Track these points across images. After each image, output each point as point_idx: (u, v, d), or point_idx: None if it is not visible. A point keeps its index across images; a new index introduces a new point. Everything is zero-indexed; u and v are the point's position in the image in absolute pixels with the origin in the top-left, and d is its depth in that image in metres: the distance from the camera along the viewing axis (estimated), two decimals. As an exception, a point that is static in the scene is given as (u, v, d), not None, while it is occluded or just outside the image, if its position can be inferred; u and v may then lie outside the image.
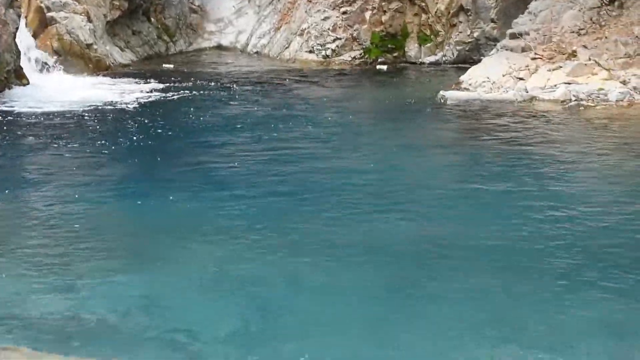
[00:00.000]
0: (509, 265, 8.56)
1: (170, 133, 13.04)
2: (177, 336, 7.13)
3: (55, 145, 12.43)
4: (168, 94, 14.52)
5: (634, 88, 12.51)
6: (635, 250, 8.77)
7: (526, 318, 7.30)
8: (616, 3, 13.60)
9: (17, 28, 14.12)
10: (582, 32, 13.61)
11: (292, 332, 7.34)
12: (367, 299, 7.90)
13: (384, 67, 16.94)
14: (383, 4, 17.10)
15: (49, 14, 15.86)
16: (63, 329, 6.78)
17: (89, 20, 15.79)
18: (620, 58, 13.00)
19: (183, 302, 7.88)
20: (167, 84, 15.18)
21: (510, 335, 7.00)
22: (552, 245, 8.95)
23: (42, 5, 15.93)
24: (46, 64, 15.23)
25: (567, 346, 6.71)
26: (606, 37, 13.48)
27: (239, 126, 13.53)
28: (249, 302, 7.83)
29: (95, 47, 15.71)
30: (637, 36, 13.15)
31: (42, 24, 15.83)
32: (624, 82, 12.66)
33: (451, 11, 16.49)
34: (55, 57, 15.55)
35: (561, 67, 13.38)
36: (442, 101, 13.58)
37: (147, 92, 14.57)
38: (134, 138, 12.83)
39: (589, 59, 13.30)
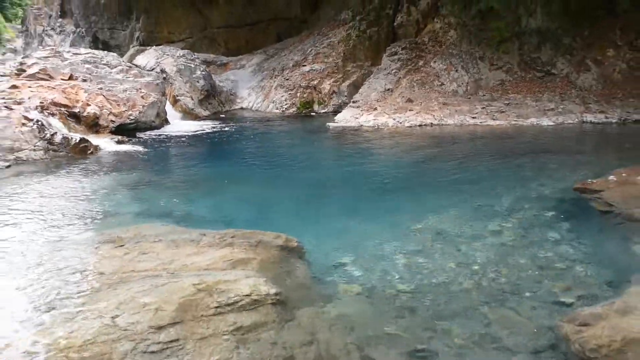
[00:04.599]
0: (356, 189, 8.04)
1: (234, 139, 12.80)
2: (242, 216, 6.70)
3: (193, 145, 12.22)
4: (229, 125, 14.45)
5: (397, 121, 12.99)
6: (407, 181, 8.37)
7: (365, 205, 7.08)
8: (391, 90, 14.56)
9: (165, 103, 14.41)
10: (379, 100, 14.00)
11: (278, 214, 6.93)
12: (297, 198, 7.47)
13: (318, 113, 16.65)
14: (303, 90, 17.26)
15: (177, 98, 16.09)
16: (191, 220, 6.12)
17: (192, 99, 16.14)
18: (394, 110, 13.46)
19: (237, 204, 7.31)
20: (227, 122, 15.05)
21: (356, 214, 6.59)
22: (373, 181, 8.39)
23: (174, 94, 16.01)
24: (176, 117, 15.23)
25: (377, 216, 6.45)
26: (388, 102, 14.02)
27: (252, 136, 13.22)
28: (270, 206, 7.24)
29: (194, 109, 15.82)
30: (399, 101, 13.75)
31: (174, 101, 16.00)
32: (394, 119, 13.16)
33: (329, 93, 16.64)
34: (179, 114, 15.58)
35: (371, 113, 13.73)
36: (328, 127, 13.55)
37: (221, 125, 14.44)
38: (215, 144, 12.58)
39: (382, 111, 13.70)
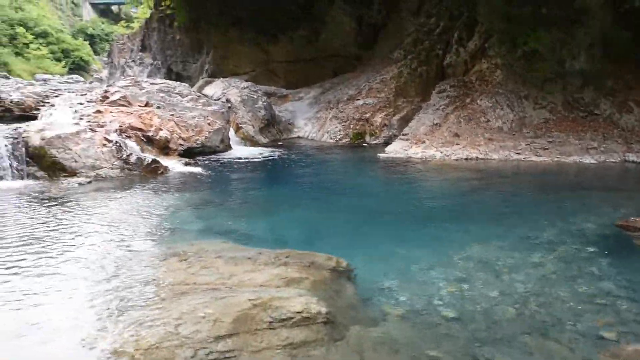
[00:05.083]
0: (404, 216, 7.93)
1: (291, 164, 12.78)
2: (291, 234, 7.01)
3: (253, 169, 12.19)
4: (286, 152, 14.30)
5: (444, 154, 12.65)
6: (458, 210, 8.28)
7: (412, 230, 7.23)
8: (439, 124, 14.41)
9: (229, 130, 14.59)
10: (428, 134, 13.62)
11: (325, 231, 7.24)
12: (349, 222, 7.44)
13: (369, 143, 16.50)
14: (356, 122, 17.05)
15: (240, 126, 16.35)
16: (249, 239, 6.14)
17: (253, 127, 16.25)
18: (441, 144, 13.10)
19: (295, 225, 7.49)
20: (285, 149, 14.94)
21: (404, 236, 6.84)
22: (421, 210, 8.26)
23: (237, 122, 16.12)
24: (238, 143, 15.33)
25: (423, 240, 6.59)
26: (436, 136, 13.82)
27: (307, 162, 13.06)
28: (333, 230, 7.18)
29: (255, 136, 15.79)
30: (447, 136, 13.48)
31: (237, 128, 16.14)
32: (441, 152, 12.86)
33: (380, 126, 16.35)
34: (241, 140, 15.62)
35: (420, 146, 13.42)
36: (379, 158, 13.31)
37: (279, 152, 14.30)
38: (273, 169, 12.49)
39: (430, 144, 13.40)
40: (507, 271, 5.23)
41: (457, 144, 13.56)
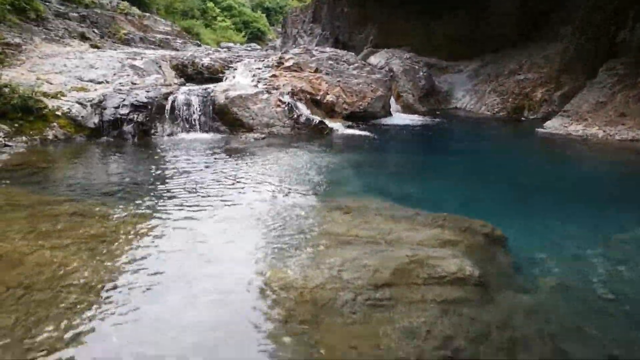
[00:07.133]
0: (561, 192, 7.58)
1: (448, 133, 12.43)
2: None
3: (411, 135, 12.02)
4: (443, 121, 13.94)
5: (607, 134, 11.64)
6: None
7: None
8: (604, 103, 13.14)
9: (390, 97, 14.54)
10: (590, 112, 12.53)
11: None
12: (503, 193, 7.18)
13: (527, 118, 15.63)
14: (515, 96, 16.27)
15: (400, 94, 16.25)
16: (405, 199, 6.10)
17: (413, 96, 16.11)
18: (605, 123, 11.99)
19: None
20: (442, 118, 14.58)
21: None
22: (578, 187, 7.79)
23: (398, 90, 16.08)
24: (397, 110, 15.27)
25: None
26: (599, 115, 12.69)
27: (463, 132, 12.78)
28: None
29: (414, 105, 15.67)
30: (612, 115, 12.19)
31: (397, 96, 16.12)
32: (604, 131, 11.76)
33: (540, 101, 15.36)
34: (401, 107, 15.61)
35: (581, 124, 12.40)
36: (537, 133, 12.63)
37: (437, 121, 13.97)
38: (430, 136, 12.20)
39: (592, 122, 12.36)
40: (672, 258, 4.72)
41: (623, 124, 12.22)
